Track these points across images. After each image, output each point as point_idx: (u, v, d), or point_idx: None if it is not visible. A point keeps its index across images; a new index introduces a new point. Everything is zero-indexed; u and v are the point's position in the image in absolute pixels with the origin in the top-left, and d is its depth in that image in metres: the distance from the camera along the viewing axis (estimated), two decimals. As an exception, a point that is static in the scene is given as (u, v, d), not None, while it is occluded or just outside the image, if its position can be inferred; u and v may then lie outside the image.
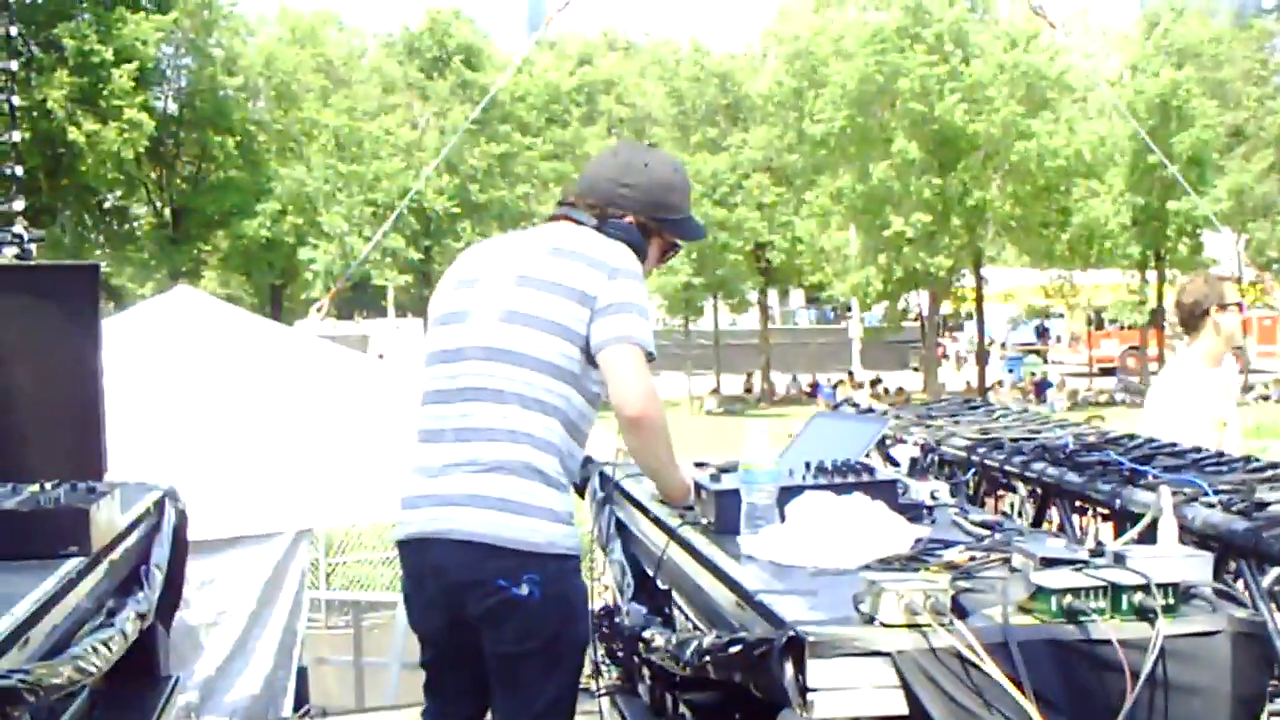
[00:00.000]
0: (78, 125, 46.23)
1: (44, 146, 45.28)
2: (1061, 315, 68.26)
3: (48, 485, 4.74)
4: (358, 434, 11.56)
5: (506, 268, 4.84)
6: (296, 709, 10.86)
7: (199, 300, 14.27)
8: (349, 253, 51.55)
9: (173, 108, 54.25)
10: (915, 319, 61.97)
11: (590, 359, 4.65)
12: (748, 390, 61.72)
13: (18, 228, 9.31)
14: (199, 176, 53.97)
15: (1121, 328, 61.98)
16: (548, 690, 4.70)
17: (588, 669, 5.48)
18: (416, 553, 4.80)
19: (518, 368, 4.64)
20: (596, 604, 5.65)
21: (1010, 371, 61.91)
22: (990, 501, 5.94)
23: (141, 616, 4.78)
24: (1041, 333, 71.24)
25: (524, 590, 4.54)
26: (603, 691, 5.70)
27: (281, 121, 58.47)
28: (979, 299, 58.29)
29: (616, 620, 5.14)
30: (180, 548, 5.76)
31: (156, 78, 52.67)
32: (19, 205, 9.38)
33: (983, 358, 58.42)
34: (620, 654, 5.27)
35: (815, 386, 58.59)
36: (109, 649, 4.07)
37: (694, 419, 52.23)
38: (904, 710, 3.02)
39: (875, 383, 55.92)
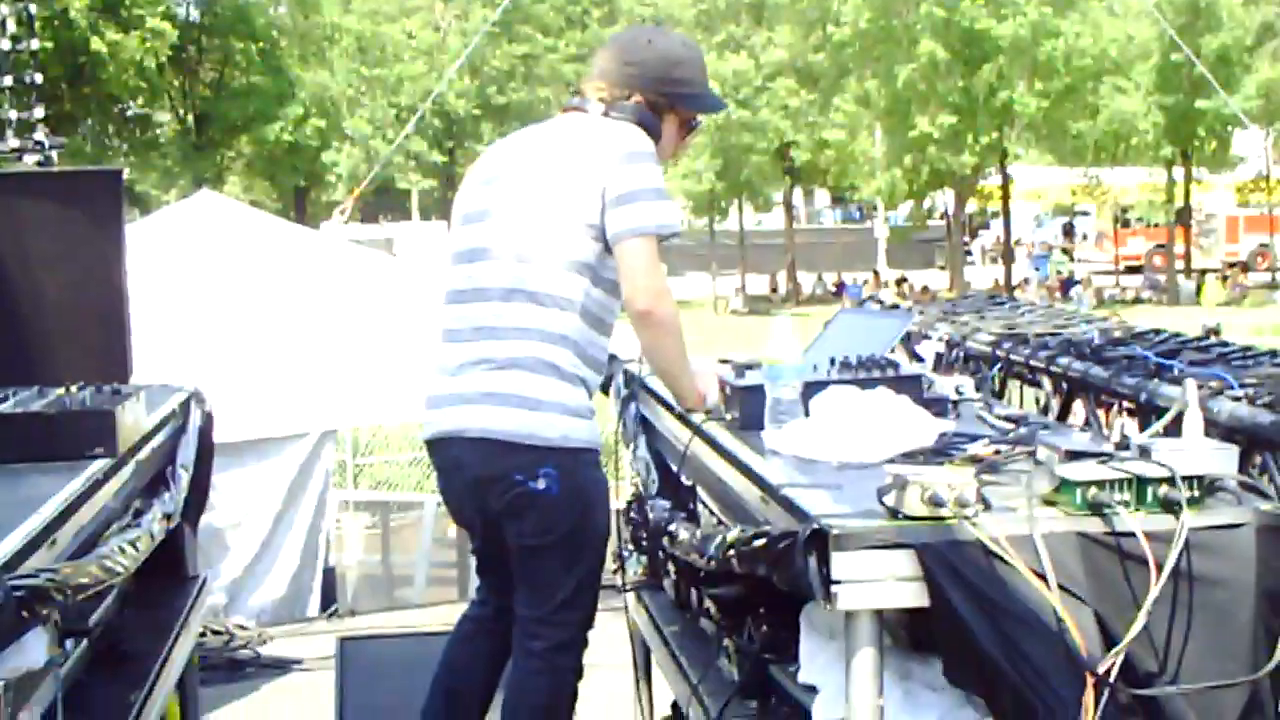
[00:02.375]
0: (100, 34, 46.03)
1: (66, 56, 45.06)
2: (1088, 213, 67.88)
3: (73, 388, 4.76)
4: (383, 335, 11.60)
5: (520, 165, 4.86)
6: (324, 609, 10.94)
7: (222, 205, 14.31)
8: (373, 156, 51.45)
9: (194, 15, 54.01)
10: (941, 217, 61.72)
11: (609, 248, 4.64)
12: (773, 290, 61.56)
13: (39, 135, 9.32)
14: (221, 83, 53.77)
15: (1148, 226, 61.65)
16: (568, 583, 4.76)
17: (612, 564, 5.52)
18: (440, 450, 4.87)
19: (528, 264, 4.66)
20: (625, 495, 5.68)
21: (1036, 270, 61.66)
22: (1015, 396, 5.94)
23: (168, 517, 4.82)
24: (1068, 230, 70.76)
25: (541, 484, 4.59)
26: (628, 587, 5.73)
27: (303, 26, 58.23)
28: (1005, 197, 57.97)
29: (645, 507, 5.15)
30: (206, 449, 5.79)
31: (178, -16, 52.50)
32: (39, 113, 9.39)
33: (1009, 256, 58.18)
34: (648, 543, 5.29)
35: (841, 285, 58.40)
36: (136, 549, 4.10)
37: (720, 318, 52.21)
38: (927, 602, 3.02)
39: (901, 281, 55.78)
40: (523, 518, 4.68)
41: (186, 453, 5.51)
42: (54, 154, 9.47)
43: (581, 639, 4.89)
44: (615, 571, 5.67)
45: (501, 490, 4.65)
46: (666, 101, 4.93)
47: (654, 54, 4.94)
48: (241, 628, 9.43)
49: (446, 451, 4.84)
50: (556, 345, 4.64)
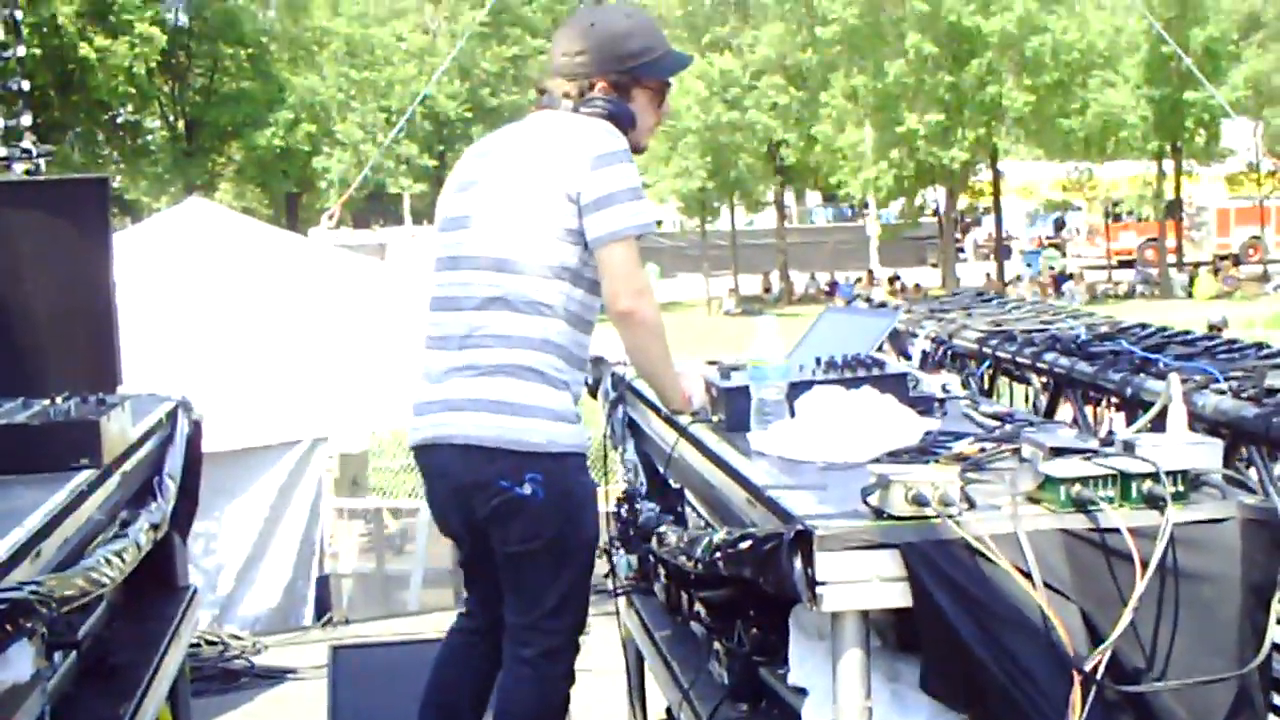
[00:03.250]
0: (88, 41, 46.08)
1: (54, 63, 45.13)
2: (1080, 209, 67.88)
3: (59, 398, 4.75)
4: (374, 341, 11.57)
5: (496, 170, 4.82)
6: (318, 617, 10.90)
7: (212, 211, 14.29)
8: (363, 160, 51.45)
9: (183, 20, 54.08)
10: (933, 215, 61.74)
11: (589, 248, 4.62)
12: (766, 290, 61.62)
13: (26, 142, 9.32)
14: (211, 88, 53.83)
15: (1139, 220, 61.72)
16: (556, 589, 4.74)
17: (603, 568, 5.51)
18: (426, 458, 4.86)
19: (509, 273, 4.63)
20: (615, 498, 5.66)
21: (1029, 266, 61.71)
22: (1004, 393, 5.94)
23: (155, 527, 4.80)
24: (1059, 225, 70.76)
25: (527, 490, 4.56)
26: (619, 591, 5.71)
27: (292, 30, 58.25)
28: (996, 194, 58.06)
29: (636, 505, 5.14)
30: (194, 458, 5.78)
31: (166, -10, 52.53)
32: (27, 120, 9.39)
33: (1000, 252, 58.23)
34: (637, 546, 5.28)
35: (834, 285, 58.46)
36: (122, 560, 4.08)
37: (712, 319, 52.25)
38: (912, 602, 3.02)
39: (893, 279, 55.85)
40: (509, 524, 4.66)
41: (174, 462, 5.50)
42: (42, 162, 9.48)
43: (572, 645, 4.87)
44: (606, 575, 5.66)
45: (487, 497, 4.63)
46: (629, 78, 4.86)
47: (599, 36, 4.85)
48: (236, 637, 9.39)
49: (432, 459, 4.82)
50: (539, 351, 4.61)
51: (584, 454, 4.76)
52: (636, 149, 4.84)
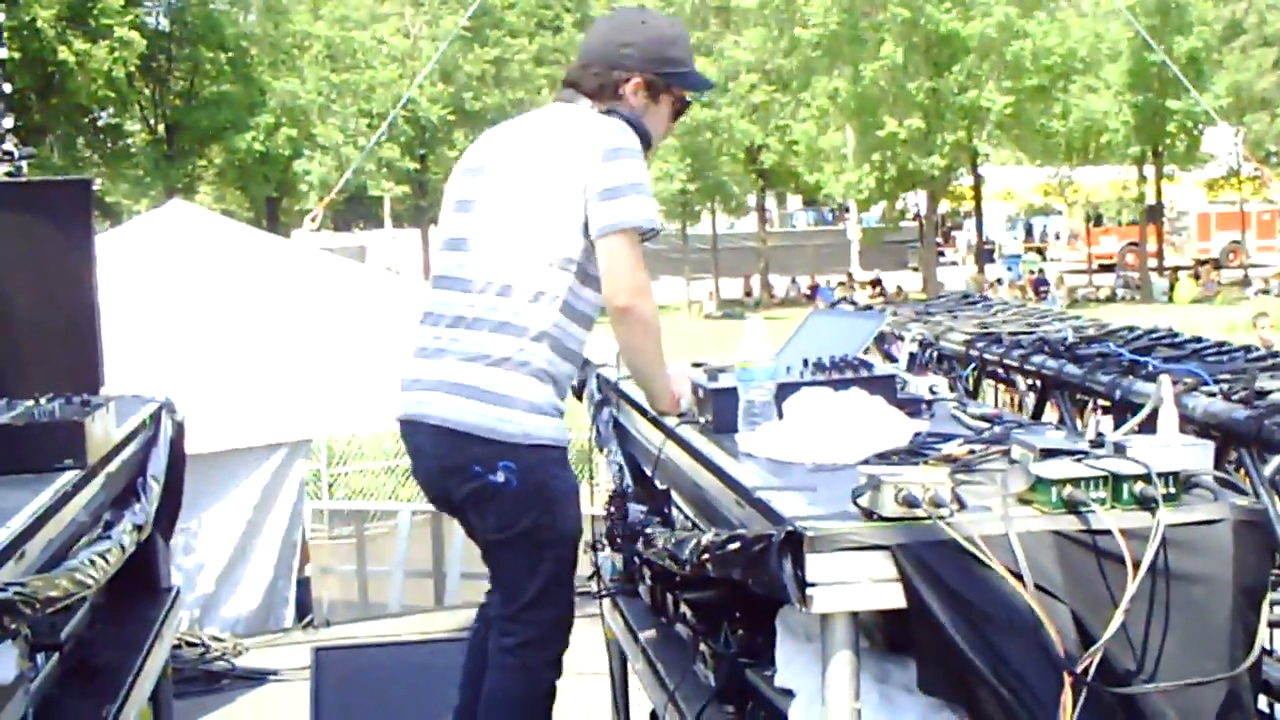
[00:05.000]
0: (68, 44, 46.03)
1: (34, 66, 45.02)
2: (1060, 213, 67.93)
3: (43, 399, 4.73)
4: (355, 344, 11.55)
5: (506, 156, 4.85)
6: (300, 619, 10.89)
7: (193, 214, 14.24)
8: (344, 163, 51.30)
9: (163, 24, 54.03)
10: (914, 219, 61.75)
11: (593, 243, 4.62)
12: (747, 293, 61.63)
13: (8, 145, 9.27)
14: (192, 92, 53.75)
15: (1120, 224, 61.79)
16: (534, 580, 4.77)
17: (588, 569, 5.48)
18: (407, 434, 4.91)
19: (509, 258, 4.65)
20: (600, 499, 5.63)
21: (1009, 270, 61.72)
22: (990, 396, 5.93)
23: (139, 528, 4.79)
24: (1029, 230, 70.68)
25: (500, 478, 4.59)
26: (603, 593, 5.69)
27: (273, 34, 58.16)
28: (977, 198, 58.09)
29: (625, 504, 5.12)
30: (177, 459, 5.76)
31: (146, -6, 52.50)
32: (8, 123, 9.34)
33: (981, 256, 58.25)
34: (622, 547, 5.25)
35: (815, 288, 58.44)
36: (106, 561, 4.07)
37: (693, 322, 52.23)
38: (903, 603, 3.00)
39: (874, 283, 55.84)
40: (484, 511, 4.70)
41: (158, 463, 5.49)
42: (24, 164, 9.43)
43: (554, 637, 4.88)
44: (591, 578, 5.63)
45: (461, 480, 4.67)
46: (663, 81, 4.91)
47: (648, 34, 4.91)
48: (216, 639, 9.35)
49: (411, 438, 4.87)
50: (530, 340, 4.63)
51: (563, 448, 4.76)
52: None
